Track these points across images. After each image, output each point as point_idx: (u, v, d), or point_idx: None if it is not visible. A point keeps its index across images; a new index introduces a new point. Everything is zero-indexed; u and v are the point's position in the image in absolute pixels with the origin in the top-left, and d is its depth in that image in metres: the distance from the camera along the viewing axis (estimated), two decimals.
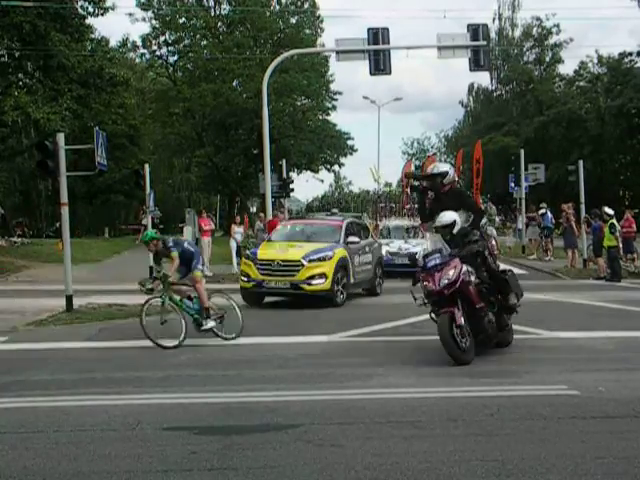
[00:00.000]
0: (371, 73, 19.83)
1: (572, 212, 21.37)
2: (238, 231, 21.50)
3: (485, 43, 19.87)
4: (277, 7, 44.09)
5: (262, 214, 22.96)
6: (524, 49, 57.51)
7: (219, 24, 43.82)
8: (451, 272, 8.12)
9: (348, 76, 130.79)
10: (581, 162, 21.39)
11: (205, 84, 40.40)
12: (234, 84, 43.01)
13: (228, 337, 9.90)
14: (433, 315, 8.42)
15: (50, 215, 45.17)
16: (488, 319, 8.36)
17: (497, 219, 43.12)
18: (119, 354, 9.19)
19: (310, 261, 12.95)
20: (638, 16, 56.04)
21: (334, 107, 47.79)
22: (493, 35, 54.03)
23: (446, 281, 8.06)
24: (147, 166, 20.59)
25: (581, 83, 53.43)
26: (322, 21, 44.10)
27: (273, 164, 23.55)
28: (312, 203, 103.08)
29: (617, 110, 44.75)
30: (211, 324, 9.84)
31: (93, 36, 28.96)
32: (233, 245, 20.87)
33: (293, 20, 43.82)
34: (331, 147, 48.79)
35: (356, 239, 14.20)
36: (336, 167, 52.81)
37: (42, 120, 24.07)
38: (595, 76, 51.40)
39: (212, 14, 43.72)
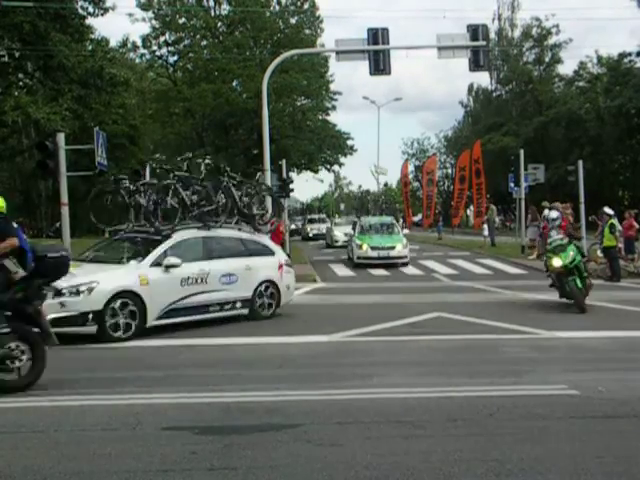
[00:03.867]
0: (371, 73, 19.84)
1: (570, 212, 21.34)
2: None
3: (485, 43, 19.88)
4: (277, 7, 44.12)
5: None
6: (524, 49, 57.59)
7: (219, 24, 43.87)
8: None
9: (348, 76, 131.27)
10: (581, 162, 21.37)
11: (205, 84, 40.43)
12: (234, 84, 43.07)
13: None
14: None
15: (50, 215, 45.14)
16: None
17: (497, 219, 43.21)
18: (119, 354, 9.19)
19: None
20: (638, 16, 56.35)
21: (334, 107, 47.90)
22: (493, 35, 54.16)
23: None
24: (147, 166, 20.57)
25: (580, 83, 53.47)
26: (322, 21, 44.19)
27: (273, 164, 23.55)
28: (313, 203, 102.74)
29: (616, 110, 44.73)
30: None
31: (93, 36, 29.00)
32: None
33: (293, 20, 43.86)
34: (331, 147, 48.81)
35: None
36: (336, 167, 52.90)
37: (42, 120, 24.12)
38: (594, 76, 51.43)
39: (212, 14, 43.76)
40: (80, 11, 27.34)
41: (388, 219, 27.64)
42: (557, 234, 12.94)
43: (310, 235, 43.98)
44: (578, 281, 12.27)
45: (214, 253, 11.46)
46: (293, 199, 79.79)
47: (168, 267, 10.49)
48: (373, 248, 22.37)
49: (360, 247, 22.63)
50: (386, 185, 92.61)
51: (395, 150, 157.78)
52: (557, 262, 12.35)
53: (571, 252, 12.35)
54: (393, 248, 22.49)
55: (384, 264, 21.83)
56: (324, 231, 40.44)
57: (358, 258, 22.49)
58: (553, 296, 14.70)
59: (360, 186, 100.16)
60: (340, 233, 32.67)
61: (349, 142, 49.92)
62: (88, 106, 28.59)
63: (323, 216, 55.07)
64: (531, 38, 56.35)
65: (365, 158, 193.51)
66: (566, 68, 72.42)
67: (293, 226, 51.31)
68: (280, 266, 12.44)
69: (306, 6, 43.60)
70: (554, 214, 13.86)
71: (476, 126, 60.64)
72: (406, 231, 24.47)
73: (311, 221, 48.98)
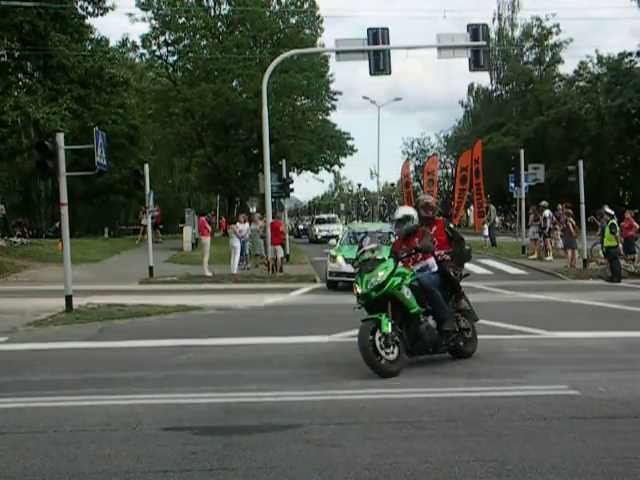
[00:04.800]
0: (371, 73, 19.86)
1: (570, 212, 21.35)
2: (242, 228, 21.42)
3: (485, 43, 19.91)
4: (277, 7, 44.10)
5: (258, 214, 22.94)
6: (524, 49, 57.60)
7: (219, 24, 43.84)
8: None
9: (348, 76, 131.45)
10: (581, 162, 21.36)
11: (205, 84, 40.40)
12: (234, 84, 43.04)
13: None
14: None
15: (50, 215, 45.16)
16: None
17: (497, 219, 43.20)
18: (119, 354, 9.19)
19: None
20: (638, 16, 56.22)
21: (334, 107, 47.85)
22: (493, 35, 54.12)
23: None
24: (147, 166, 20.59)
25: (581, 83, 53.46)
26: (322, 21, 44.13)
27: (273, 164, 23.55)
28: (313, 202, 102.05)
29: (617, 110, 44.72)
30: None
31: (93, 36, 29.01)
32: (237, 245, 20.64)
33: (293, 20, 43.82)
34: (331, 147, 48.77)
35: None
36: (336, 167, 52.86)
37: (42, 120, 24.13)
38: (595, 76, 51.43)
39: (212, 14, 43.72)
40: (80, 11, 27.34)
41: (387, 227, 19.87)
42: (366, 245, 8.11)
43: (319, 237, 38.79)
44: (385, 324, 7.28)
45: None
46: (296, 199, 79.20)
47: None
48: (348, 261, 14.79)
49: (334, 259, 16.93)
50: (393, 185, 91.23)
51: (395, 150, 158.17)
52: (357, 288, 7.74)
53: (381, 272, 7.46)
54: None
55: None
56: (335, 232, 35.72)
57: (330, 274, 16.97)
58: (552, 296, 14.72)
59: (360, 185, 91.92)
60: None
61: (349, 142, 49.91)
62: (88, 106, 28.60)
63: (333, 216, 48.46)
64: (531, 38, 56.34)
65: (365, 158, 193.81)
66: (566, 68, 72.38)
67: (301, 226, 50.65)
68: None
69: (306, 6, 43.56)
70: (402, 212, 8.59)
71: (476, 126, 60.63)
72: None
73: (319, 221, 43.91)
